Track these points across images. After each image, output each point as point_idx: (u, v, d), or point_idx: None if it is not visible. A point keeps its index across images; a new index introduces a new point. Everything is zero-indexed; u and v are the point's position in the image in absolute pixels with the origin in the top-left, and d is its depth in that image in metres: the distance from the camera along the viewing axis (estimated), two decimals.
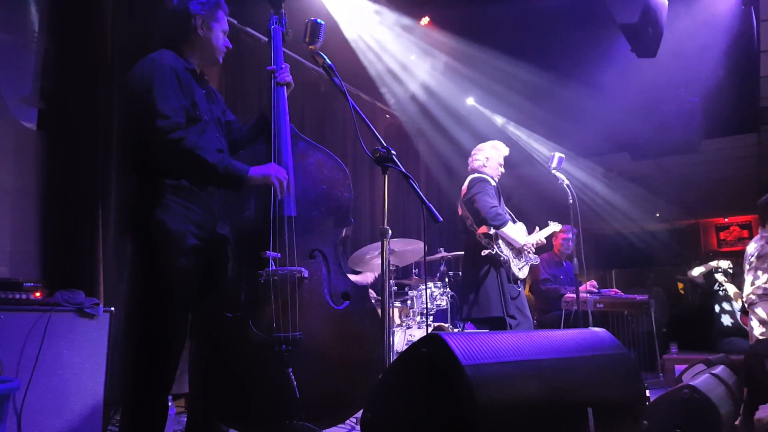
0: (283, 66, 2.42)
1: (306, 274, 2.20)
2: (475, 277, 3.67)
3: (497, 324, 3.55)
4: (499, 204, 3.74)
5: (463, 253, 4.05)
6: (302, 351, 2.11)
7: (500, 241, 3.65)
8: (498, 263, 3.62)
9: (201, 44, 2.21)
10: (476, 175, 3.84)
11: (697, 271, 5.82)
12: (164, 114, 1.97)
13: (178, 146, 1.97)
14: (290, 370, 2.05)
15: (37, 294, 2.62)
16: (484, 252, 3.58)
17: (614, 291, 5.43)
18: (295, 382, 2.03)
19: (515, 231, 3.73)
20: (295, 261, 2.20)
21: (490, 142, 3.99)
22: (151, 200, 2.04)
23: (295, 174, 2.29)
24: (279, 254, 2.16)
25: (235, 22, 4.45)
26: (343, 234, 2.44)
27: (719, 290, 5.78)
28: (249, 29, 4.55)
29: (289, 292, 2.14)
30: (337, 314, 2.26)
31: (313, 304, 2.22)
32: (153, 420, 2.02)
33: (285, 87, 2.41)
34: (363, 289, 2.39)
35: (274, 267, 2.13)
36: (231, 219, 2.19)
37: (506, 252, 3.64)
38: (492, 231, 3.62)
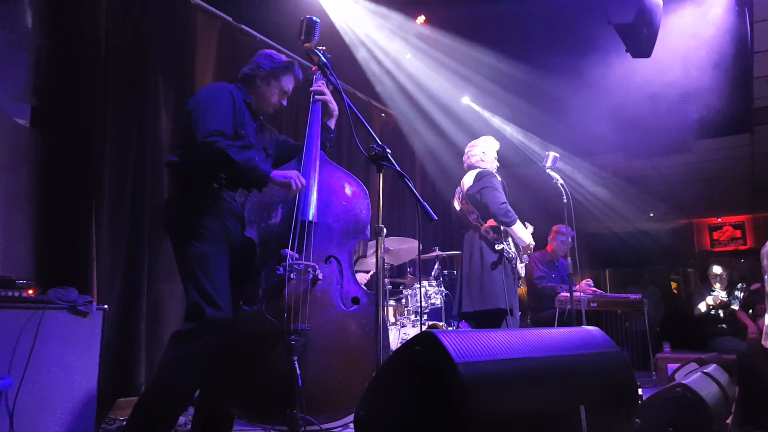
0: (320, 83, 2.69)
1: (321, 275, 2.39)
2: (480, 270, 3.61)
3: (498, 316, 3.52)
4: (506, 200, 3.70)
5: (459, 252, 4.02)
6: (308, 343, 2.28)
7: (509, 239, 3.64)
8: (506, 258, 3.61)
9: (257, 92, 2.55)
10: (481, 169, 3.78)
11: (703, 306, 5.88)
12: (211, 121, 2.28)
13: (213, 146, 2.23)
14: (295, 358, 2.19)
15: (30, 291, 2.60)
16: (498, 246, 3.57)
17: (587, 281, 5.33)
18: (299, 371, 2.17)
19: (523, 230, 3.70)
20: (311, 262, 2.42)
21: (482, 138, 3.97)
22: (192, 205, 2.32)
23: (320, 190, 2.54)
24: (297, 255, 2.36)
25: (231, 19, 4.45)
26: (357, 246, 2.63)
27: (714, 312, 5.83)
28: (244, 27, 4.54)
29: (302, 289, 2.33)
30: (346, 315, 2.43)
31: (324, 303, 2.41)
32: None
33: (320, 104, 2.67)
34: (372, 295, 2.47)
35: (291, 261, 2.32)
36: (258, 224, 2.45)
37: (512, 251, 3.64)
38: (501, 227, 3.60)
